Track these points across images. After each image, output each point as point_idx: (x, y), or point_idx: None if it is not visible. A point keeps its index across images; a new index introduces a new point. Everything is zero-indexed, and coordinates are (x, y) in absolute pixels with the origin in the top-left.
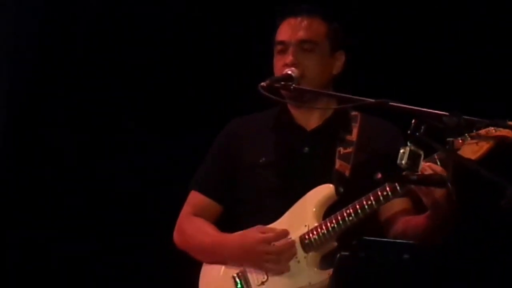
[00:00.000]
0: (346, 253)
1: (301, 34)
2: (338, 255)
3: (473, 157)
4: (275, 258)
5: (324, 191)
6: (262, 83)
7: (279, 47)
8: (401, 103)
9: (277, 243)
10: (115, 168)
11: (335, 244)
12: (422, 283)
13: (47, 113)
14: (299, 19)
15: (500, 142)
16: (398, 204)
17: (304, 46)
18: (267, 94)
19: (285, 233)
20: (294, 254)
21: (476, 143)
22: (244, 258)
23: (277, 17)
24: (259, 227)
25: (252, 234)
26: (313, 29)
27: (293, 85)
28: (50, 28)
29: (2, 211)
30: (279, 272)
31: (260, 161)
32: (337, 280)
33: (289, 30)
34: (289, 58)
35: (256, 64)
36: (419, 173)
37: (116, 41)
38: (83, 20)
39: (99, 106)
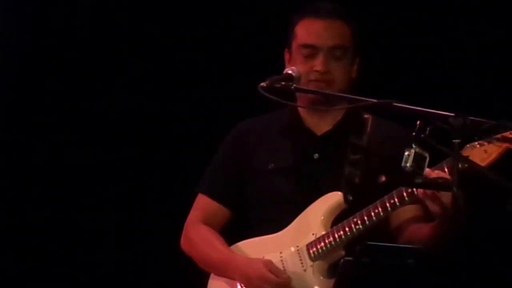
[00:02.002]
0: (350, 259)
1: (333, 40)
2: (342, 260)
3: (482, 164)
4: None
5: (332, 199)
6: (262, 84)
7: (307, 51)
8: (406, 104)
9: None
10: (120, 171)
11: (343, 253)
12: None
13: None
14: (327, 21)
15: (510, 147)
16: (408, 211)
17: (335, 53)
18: (268, 95)
19: (288, 282)
20: None
21: (485, 150)
22: (246, 284)
23: (295, 16)
24: (266, 261)
25: (257, 266)
26: (342, 34)
27: (294, 85)
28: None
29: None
30: None
31: (269, 167)
32: (340, 286)
33: (320, 34)
34: (320, 66)
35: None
36: (424, 176)
37: (113, 38)
38: (78, 17)
39: (103, 103)
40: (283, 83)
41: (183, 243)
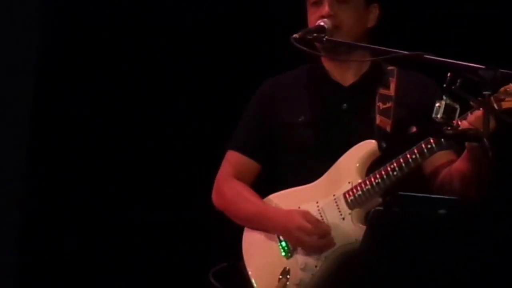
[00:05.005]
0: (380, 208)
1: None
2: (372, 210)
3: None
4: (310, 248)
5: (367, 147)
6: (295, 35)
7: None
8: (436, 56)
9: (315, 239)
10: (150, 128)
11: (380, 200)
12: (458, 238)
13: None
14: None
15: None
16: (442, 156)
17: None
18: (300, 46)
19: (327, 231)
20: (331, 247)
21: None
22: (285, 236)
23: None
24: (304, 212)
25: (296, 217)
26: None
27: (326, 36)
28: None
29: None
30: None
31: (299, 119)
32: (370, 235)
33: None
34: (325, 10)
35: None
36: (455, 127)
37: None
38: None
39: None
40: (315, 34)
41: (215, 199)
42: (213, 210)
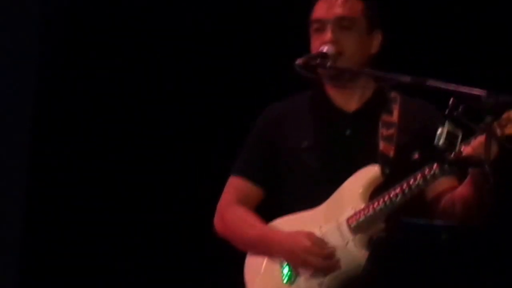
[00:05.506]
0: (383, 235)
1: (338, 10)
2: (375, 237)
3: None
4: (316, 270)
5: (370, 173)
6: (298, 61)
7: (315, 26)
8: (438, 81)
9: (321, 260)
10: (154, 152)
11: (383, 225)
12: (460, 264)
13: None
14: None
15: None
16: (445, 182)
17: (342, 23)
18: (304, 72)
19: (332, 252)
20: (336, 269)
21: None
22: (289, 258)
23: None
24: (309, 233)
25: (300, 239)
26: (350, 6)
27: (329, 63)
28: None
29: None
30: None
31: (302, 145)
32: (373, 261)
33: (326, 8)
34: (327, 36)
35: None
36: (457, 153)
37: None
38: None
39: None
40: (318, 61)
41: (218, 225)
42: (212, 213)
